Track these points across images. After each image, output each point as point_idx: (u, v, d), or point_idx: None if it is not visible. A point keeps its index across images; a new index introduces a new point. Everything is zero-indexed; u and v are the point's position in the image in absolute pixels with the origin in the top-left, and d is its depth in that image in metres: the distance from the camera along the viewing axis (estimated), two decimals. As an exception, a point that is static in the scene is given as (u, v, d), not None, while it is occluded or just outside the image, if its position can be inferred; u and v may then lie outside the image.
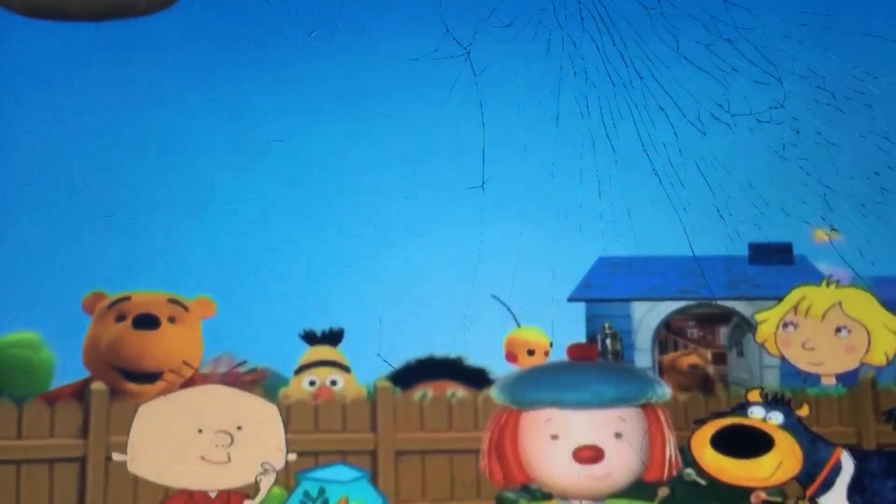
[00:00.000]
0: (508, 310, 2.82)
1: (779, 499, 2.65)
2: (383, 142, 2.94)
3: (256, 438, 2.56)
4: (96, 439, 2.64)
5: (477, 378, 2.83)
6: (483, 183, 2.88)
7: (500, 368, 2.82)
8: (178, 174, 2.94)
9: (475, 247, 2.86)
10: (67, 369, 2.82)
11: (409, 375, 2.83)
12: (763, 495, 2.63)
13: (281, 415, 2.64)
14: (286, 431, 2.63)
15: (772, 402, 2.55)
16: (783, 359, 2.87)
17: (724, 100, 2.91)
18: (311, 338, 2.85)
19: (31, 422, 2.65)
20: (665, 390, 2.43)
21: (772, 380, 2.91)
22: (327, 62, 2.98)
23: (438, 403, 2.75)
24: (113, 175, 2.96)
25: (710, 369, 3.02)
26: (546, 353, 2.84)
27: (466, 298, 2.82)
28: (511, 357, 2.84)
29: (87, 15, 2.94)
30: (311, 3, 3.01)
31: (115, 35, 3.02)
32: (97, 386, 2.68)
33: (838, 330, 2.84)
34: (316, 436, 2.69)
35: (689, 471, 2.61)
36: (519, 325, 2.83)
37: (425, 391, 2.80)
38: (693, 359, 2.94)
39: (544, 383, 2.39)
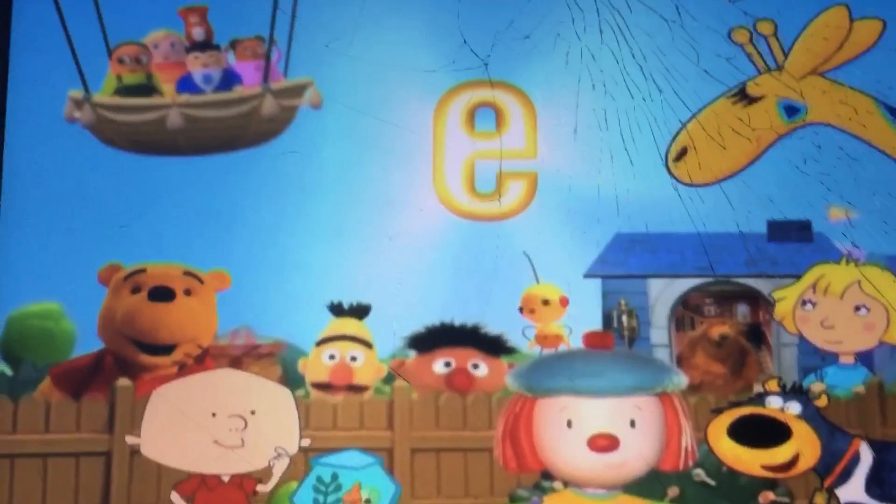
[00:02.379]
0: (532, 266, 2.91)
1: (787, 499, 2.72)
2: (398, 153, 3.03)
3: (270, 423, 2.65)
4: (121, 434, 2.78)
5: (495, 345, 2.93)
6: (500, 197, 2.97)
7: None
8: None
9: (491, 260, 2.94)
10: (87, 340, 2.93)
11: (428, 341, 2.93)
12: (771, 496, 2.71)
13: (299, 409, 2.73)
14: (306, 428, 2.73)
15: (790, 392, 2.63)
16: (801, 337, 2.91)
17: (744, 114, 2.98)
18: (337, 310, 2.94)
19: (57, 417, 2.80)
20: (681, 379, 2.51)
21: (789, 358, 2.96)
22: (344, 72, 3.08)
23: (454, 403, 2.85)
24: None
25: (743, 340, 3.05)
26: (562, 302, 2.92)
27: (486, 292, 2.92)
28: (527, 311, 2.92)
29: (196, 149, 3.08)
30: (329, 14, 3.10)
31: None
32: (122, 382, 2.81)
33: (857, 308, 2.89)
34: (334, 433, 2.80)
35: (699, 471, 2.69)
36: (538, 282, 2.92)
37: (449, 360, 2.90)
38: (724, 329, 2.98)
39: (559, 371, 2.47)
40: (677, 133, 2.98)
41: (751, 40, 3.00)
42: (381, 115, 3.04)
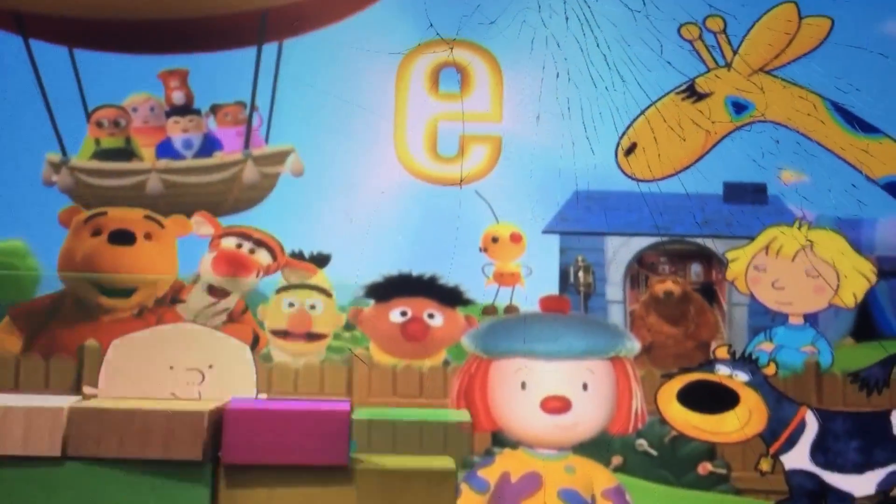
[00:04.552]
0: (489, 206, 3.00)
1: (724, 470, 2.83)
2: (364, 135, 3.10)
3: (227, 377, 2.70)
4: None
5: (451, 296, 3.02)
6: (461, 181, 3.05)
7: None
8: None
9: (451, 243, 3.02)
10: (53, 279, 2.99)
11: (386, 290, 3.01)
12: (710, 466, 2.81)
13: (260, 373, 2.78)
14: (268, 393, 2.78)
15: (739, 360, 2.72)
16: (752, 297, 3.02)
17: (705, 106, 3.07)
18: (298, 259, 3.02)
19: (28, 375, 2.89)
20: (634, 344, 2.60)
21: (740, 317, 3.05)
22: (309, 53, 3.15)
23: (410, 372, 2.94)
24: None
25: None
26: (513, 239, 3.02)
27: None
28: (483, 251, 3.03)
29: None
30: (296, -4, 3.15)
31: None
32: (90, 343, 2.87)
33: (808, 271, 3.01)
34: (295, 397, 2.84)
35: (642, 441, 2.80)
36: (497, 220, 3.02)
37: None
38: (667, 285, 3.07)
39: (515, 334, 2.55)
40: (626, 128, 3.05)
41: (700, 36, 3.08)
42: (348, 97, 3.11)
